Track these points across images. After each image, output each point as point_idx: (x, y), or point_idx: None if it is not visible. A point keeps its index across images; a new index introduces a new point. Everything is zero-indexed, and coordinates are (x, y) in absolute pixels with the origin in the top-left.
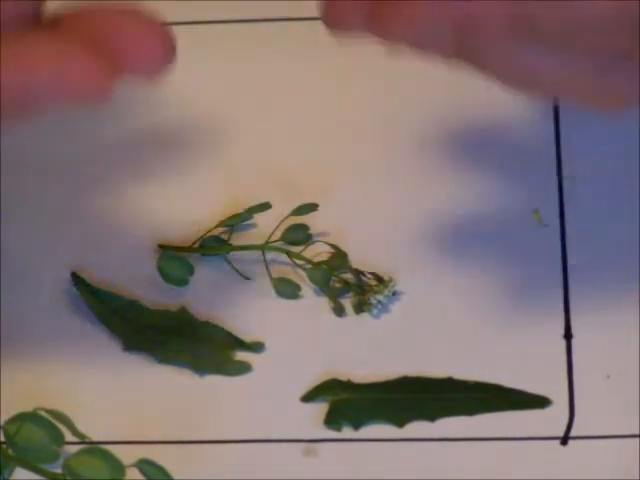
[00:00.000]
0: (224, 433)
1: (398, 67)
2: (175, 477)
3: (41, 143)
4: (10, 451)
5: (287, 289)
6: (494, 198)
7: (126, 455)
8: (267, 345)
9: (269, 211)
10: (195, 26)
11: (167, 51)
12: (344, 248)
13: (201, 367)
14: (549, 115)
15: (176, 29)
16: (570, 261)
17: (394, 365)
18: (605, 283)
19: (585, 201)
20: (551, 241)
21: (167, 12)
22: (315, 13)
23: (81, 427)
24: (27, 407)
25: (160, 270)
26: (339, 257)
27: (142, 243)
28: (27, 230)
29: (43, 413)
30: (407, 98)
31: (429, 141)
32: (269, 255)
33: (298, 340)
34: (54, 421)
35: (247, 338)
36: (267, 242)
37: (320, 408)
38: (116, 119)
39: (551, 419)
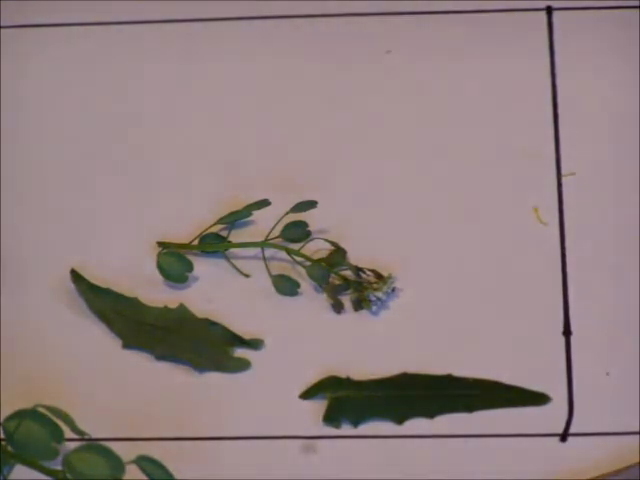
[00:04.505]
0: (223, 430)
1: (394, 69)
2: (174, 474)
3: (41, 144)
4: (10, 448)
5: (286, 286)
6: (494, 197)
7: (125, 452)
8: (266, 342)
9: (268, 208)
10: (195, 24)
11: None
12: (343, 245)
13: (200, 364)
14: (549, 115)
15: (174, 27)
16: (569, 259)
17: (393, 362)
18: (604, 280)
19: (585, 199)
20: (551, 239)
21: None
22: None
23: (80, 424)
24: (27, 404)
25: (159, 267)
26: (338, 254)
27: (141, 240)
28: (27, 230)
29: (43, 410)
30: (407, 99)
31: (429, 140)
32: (268, 252)
33: (297, 337)
34: (54, 418)
35: (246, 335)
36: (266, 239)
37: (319, 405)
38: (116, 118)
39: (550, 416)
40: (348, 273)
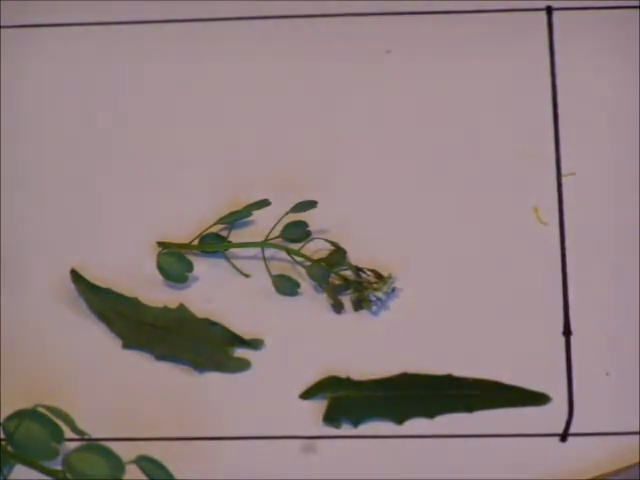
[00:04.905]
0: (223, 430)
1: (394, 69)
2: (174, 474)
3: (41, 144)
4: (10, 448)
5: (286, 286)
6: (494, 197)
7: (125, 452)
8: (266, 342)
9: (268, 208)
10: (196, 23)
11: None
12: (343, 245)
13: (200, 364)
14: (549, 115)
15: (175, 27)
16: (569, 259)
17: (393, 362)
18: (604, 280)
19: (585, 199)
20: (551, 239)
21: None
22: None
23: (80, 424)
24: (27, 404)
25: (159, 267)
26: (338, 254)
27: (141, 240)
28: (27, 230)
29: (43, 410)
30: (407, 99)
31: (428, 140)
32: (268, 252)
33: (297, 337)
34: (54, 418)
35: (246, 335)
36: (266, 239)
37: (319, 405)
38: (116, 118)
39: (550, 416)
40: (348, 273)
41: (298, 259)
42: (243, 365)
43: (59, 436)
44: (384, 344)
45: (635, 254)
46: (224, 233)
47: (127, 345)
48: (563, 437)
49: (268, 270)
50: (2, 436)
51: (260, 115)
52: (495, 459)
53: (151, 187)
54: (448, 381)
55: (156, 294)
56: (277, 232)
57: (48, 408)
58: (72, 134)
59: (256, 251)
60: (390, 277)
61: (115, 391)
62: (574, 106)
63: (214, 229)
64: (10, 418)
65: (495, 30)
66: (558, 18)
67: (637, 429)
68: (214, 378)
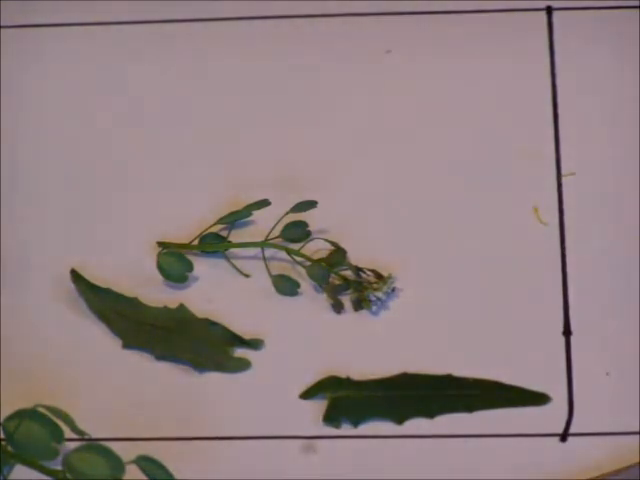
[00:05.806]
0: (223, 430)
1: (394, 69)
2: (174, 474)
3: (41, 144)
4: (10, 448)
5: (286, 286)
6: (494, 197)
7: (125, 452)
8: (266, 342)
9: (268, 208)
10: (196, 24)
11: None
12: (343, 245)
13: (200, 364)
14: (549, 115)
15: (172, 27)
16: (569, 259)
17: (393, 362)
18: (604, 280)
19: (585, 199)
20: (551, 239)
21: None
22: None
23: (80, 424)
24: (27, 404)
25: (159, 267)
26: (338, 254)
27: (141, 240)
28: (27, 230)
29: (43, 410)
30: (407, 99)
31: (428, 140)
32: (268, 252)
33: (297, 337)
34: (54, 418)
35: (246, 335)
36: (266, 239)
37: (319, 405)
38: (116, 118)
39: (550, 416)
40: (348, 273)
41: (298, 259)
42: (243, 365)
43: (59, 436)
44: (384, 344)
45: (635, 254)
46: (224, 233)
47: (127, 345)
48: (563, 437)
49: (268, 270)
50: (2, 436)
51: (260, 115)
52: (495, 459)
53: (151, 187)
54: (448, 381)
55: (156, 294)
56: (277, 232)
57: (48, 408)
58: (72, 134)
59: (256, 251)
60: (390, 277)
61: (115, 391)
62: (574, 106)
63: (214, 229)
64: (10, 418)
65: (495, 30)
66: (558, 18)
67: (637, 429)
68: (214, 378)
